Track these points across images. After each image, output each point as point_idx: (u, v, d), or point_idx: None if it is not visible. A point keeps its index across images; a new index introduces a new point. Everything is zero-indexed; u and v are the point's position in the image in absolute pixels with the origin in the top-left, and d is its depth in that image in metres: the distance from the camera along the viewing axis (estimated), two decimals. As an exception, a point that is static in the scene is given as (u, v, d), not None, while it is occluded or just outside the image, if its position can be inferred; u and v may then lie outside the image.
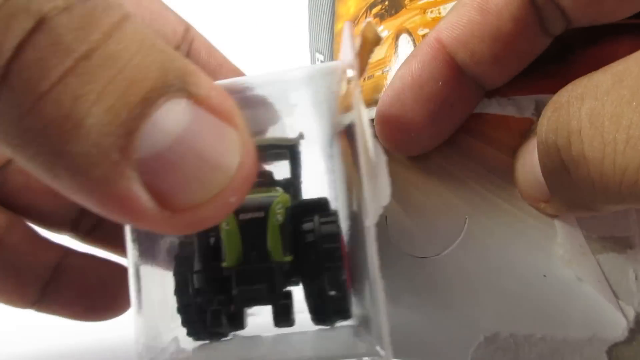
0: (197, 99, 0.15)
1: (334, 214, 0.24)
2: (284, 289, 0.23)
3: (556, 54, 0.23)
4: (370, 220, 0.17)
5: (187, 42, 0.31)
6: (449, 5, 0.27)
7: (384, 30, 0.30)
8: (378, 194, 0.17)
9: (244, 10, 0.66)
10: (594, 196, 0.19)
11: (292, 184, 0.27)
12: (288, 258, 0.22)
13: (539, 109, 0.24)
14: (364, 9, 0.33)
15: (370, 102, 0.30)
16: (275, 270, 0.21)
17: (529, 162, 0.22)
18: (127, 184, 0.14)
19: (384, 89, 0.25)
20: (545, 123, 0.20)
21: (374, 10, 0.32)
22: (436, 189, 0.25)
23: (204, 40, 0.33)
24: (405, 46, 0.28)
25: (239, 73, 0.34)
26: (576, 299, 0.22)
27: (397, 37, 0.29)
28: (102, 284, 0.30)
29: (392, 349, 0.19)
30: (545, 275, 0.22)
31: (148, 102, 0.14)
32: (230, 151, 0.15)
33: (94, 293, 0.30)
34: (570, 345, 0.22)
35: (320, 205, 0.25)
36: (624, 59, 0.18)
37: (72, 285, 0.30)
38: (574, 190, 0.19)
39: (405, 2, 0.29)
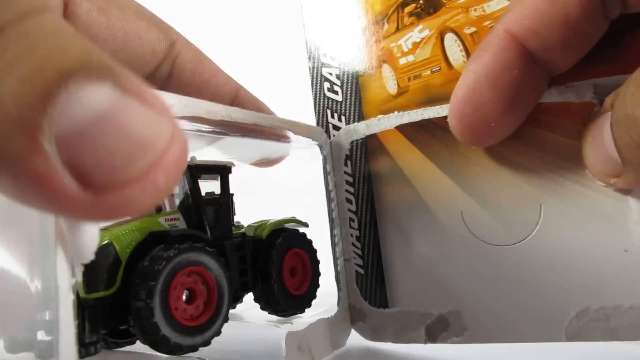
0: (124, 88, 0.14)
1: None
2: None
3: (609, 39, 0.24)
4: (65, 283, 0.17)
5: (170, 60, 0.30)
6: (493, 2, 0.28)
7: (424, 30, 0.31)
8: (78, 251, 0.16)
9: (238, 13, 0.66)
10: None
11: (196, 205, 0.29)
12: (97, 295, 0.23)
13: (598, 92, 0.25)
14: (393, 7, 0.33)
15: (420, 103, 0.31)
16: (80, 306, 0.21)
17: (598, 139, 0.23)
18: (45, 161, 0.12)
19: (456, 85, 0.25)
20: (630, 99, 0.21)
21: (407, 9, 0.32)
22: (509, 180, 0.26)
23: (190, 55, 0.31)
24: (453, 45, 0.29)
25: (231, 84, 0.32)
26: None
27: (441, 37, 0.30)
28: None
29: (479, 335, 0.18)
30: (626, 250, 0.24)
31: (65, 76, 0.13)
32: (158, 133, 0.14)
33: None
34: (660, 311, 0.24)
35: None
36: None
37: None
38: None
39: (444, 0, 0.30)
